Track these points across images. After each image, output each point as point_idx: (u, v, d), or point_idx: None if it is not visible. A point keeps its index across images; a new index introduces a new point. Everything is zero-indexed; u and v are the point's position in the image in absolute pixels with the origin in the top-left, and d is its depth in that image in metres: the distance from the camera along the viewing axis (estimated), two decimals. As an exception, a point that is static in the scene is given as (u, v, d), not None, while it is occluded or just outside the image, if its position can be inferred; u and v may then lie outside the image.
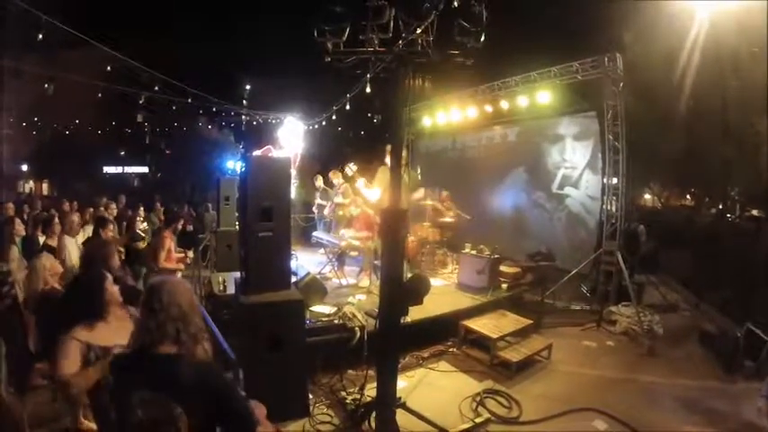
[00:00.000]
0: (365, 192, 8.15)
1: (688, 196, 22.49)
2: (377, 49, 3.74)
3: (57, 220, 6.82)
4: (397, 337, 4.10)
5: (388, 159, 7.77)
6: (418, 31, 3.69)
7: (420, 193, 8.20)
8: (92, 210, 10.46)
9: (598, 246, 9.04)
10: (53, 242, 6.33)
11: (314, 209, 11.72)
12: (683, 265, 11.25)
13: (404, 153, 3.97)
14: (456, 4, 3.63)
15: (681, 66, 11.56)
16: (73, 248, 6.10)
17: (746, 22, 9.55)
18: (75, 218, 6.70)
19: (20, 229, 6.89)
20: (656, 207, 21.79)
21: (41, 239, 6.91)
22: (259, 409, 2.55)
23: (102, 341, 2.81)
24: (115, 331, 2.88)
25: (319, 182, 11.60)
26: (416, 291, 3.93)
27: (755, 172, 12.36)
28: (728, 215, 17.89)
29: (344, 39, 3.73)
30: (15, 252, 6.35)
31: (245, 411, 2.14)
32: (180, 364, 1.97)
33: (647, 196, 22.44)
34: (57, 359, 2.74)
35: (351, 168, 8.95)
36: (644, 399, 5.37)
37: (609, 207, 8.96)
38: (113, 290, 2.98)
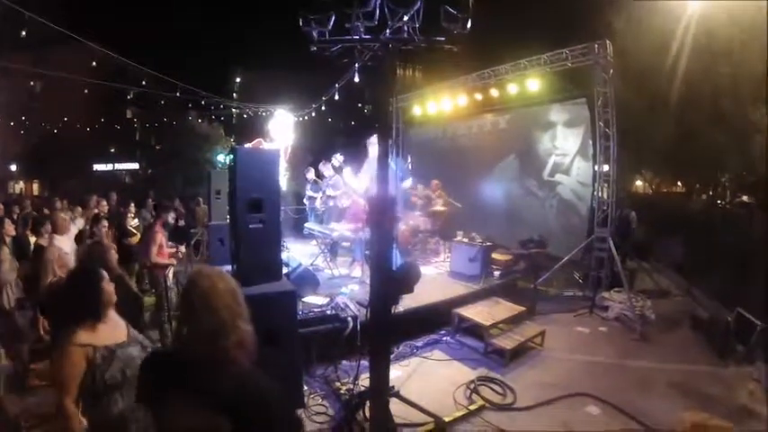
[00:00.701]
0: (352, 182, 8.16)
1: (679, 183, 22.58)
2: (363, 37, 3.71)
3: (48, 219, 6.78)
4: (388, 326, 4.11)
5: (370, 151, 7.77)
6: (404, 18, 3.67)
7: (408, 182, 8.20)
8: (80, 208, 10.40)
9: (590, 232, 9.07)
10: (44, 242, 6.27)
11: (305, 200, 11.64)
12: (674, 250, 11.31)
13: (391, 142, 3.96)
14: (442, -11, 3.62)
15: (671, 52, 11.56)
16: (64, 246, 6.05)
17: (737, 9, 9.58)
18: (65, 215, 6.65)
19: (10, 229, 6.82)
20: (647, 193, 21.86)
21: (32, 239, 6.86)
22: None
23: (106, 341, 2.77)
24: (112, 331, 2.85)
25: (311, 174, 11.56)
26: (407, 279, 3.93)
27: (746, 158, 12.41)
28: (719, 201, 18.00)
29: (330, 27, 3.70)
30: (6, 253, 6.29)
31: (290, 421, 2.09)
32: (220, 371, 1.82)
33: (639, 183, 22.52)
34: (62, 374, 2.63)
35: (337, 159, 8.94)
36: (636, 384, 5.41)
37: (600, 194, 8.99)
38: (110, 289, 2.93)
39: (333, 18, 3.66)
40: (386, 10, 3.63)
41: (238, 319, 1.90)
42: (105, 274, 2.96)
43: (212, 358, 1.82)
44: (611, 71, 8.57)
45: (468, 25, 3.64)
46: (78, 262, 3.94)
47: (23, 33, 8.85)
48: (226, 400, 1.76)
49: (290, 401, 4.46)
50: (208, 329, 1.82)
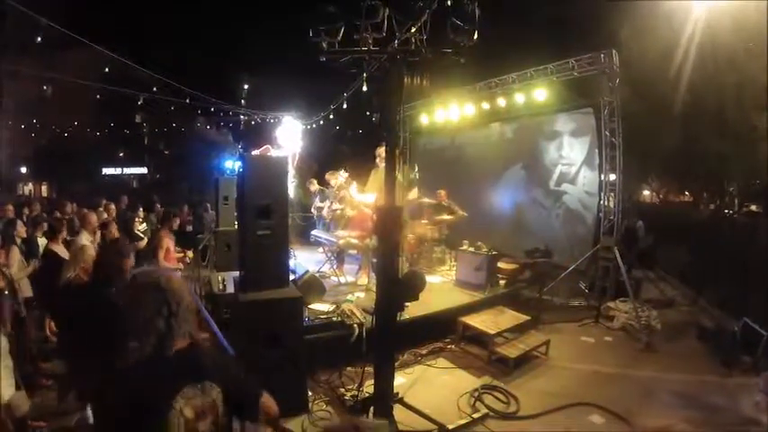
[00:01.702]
0: (360, 198, 8.19)
1: (686, 192, 22.50)
2: (371, 48, 3.76)
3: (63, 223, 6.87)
4: (393, 333, 4.14)
5: (378, 162, 7.82)
6: (412, 30, 3.72)
7: (414, 193, 8.26)
8: (85, 211, 10.49)
9: (596, 242, 9.06)
10: (58, 248, 6.31)
11: (312, 209, 11.68)
12: (680, 260, 11.28)
13: (397, 151, 4.00)
14: (449, 2, 3.66)
15: (677, 61, 11.57)
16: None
17: (742, 17, 9.57)
18: (93, 217, 6.75)
19: (21, 230, 6.92)
20: (653, 203, 21.80)
21: (41, 241, 6.92)
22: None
23: None
24: None
25: (314, 186, 11.58)
26: (412, 286, 3.96)
27: (753, 167, 12.38)
28: (726, 211, 17.90)
29: (339, 38, 3.75)
30: (17, 253, 6.37)
31: (250, 384, 2.13)
32: (199, 353, 1.92)
33: (646, 192, 22.46)
34: None
35: (342, 176, 8.98)
36: (641, 394, 5.40)
37: (606, 203, 8.98)
38: None
39: (342, 29, 3.72)
40: (393, 22, 3.68)
41: (192, 308, 1.96)
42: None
43: (187, 343, 1.89)
44: (618, 80, 8.59)
45: (475, 37, 3.68)
46: (97, 267, 3.95)
47: (38, 39, 8.92)
48: (212, 377, 1.88)
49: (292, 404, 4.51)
50: (183, 317, 1.87)
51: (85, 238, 6.20)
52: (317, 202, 11.47)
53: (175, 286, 1.89)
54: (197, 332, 1.97)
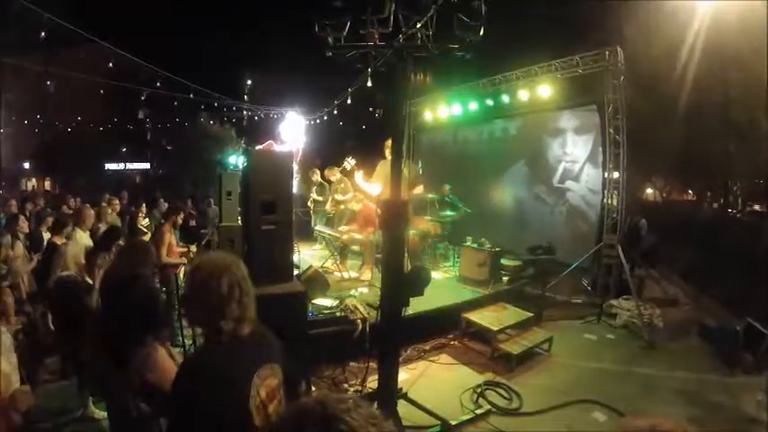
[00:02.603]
0: (365, 186, 8.19)
1: (690, 190, 22.48)
2: (377, 43, 3.76)
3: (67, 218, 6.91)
4: (398, 328, 4.14)
5: (387, 154, 7.81)
6: (418, 25, 3.72)
7: (419, 189, 8.26)
8: (87, 205, 10.52)
9: (599, 239, 9.05)
10: (59, 240, 6.34)
11: (309, 203, 11.62)
12: (683, 259, 11.26)
13: (404, 147, 4.00)
14: (455, -2, 3.67)
15: (682, 59, 11.55)
16: (84, 241, 6.13)
17: (747, 15, 9.55)
18: (89, 212, 6.74)
19: (24, 225, 6.95)
20: (657, 201, 21.74)
21: (45, 236, 6.96)
22: None
23: None
24: None
25: (316, 176, 11.52)
26: (417, 281, 3.97)
27: (757, 166, 12.37)
28: (730, 210, 17.90)
29: (345, 33, 3.75)
30: (20, 248, 6.40)
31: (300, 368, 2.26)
32: (268, 336, 2.00)
33: (649, 190, 22.40)
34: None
35: (349, 162, 8.96)
36: (643, 391, 5.41)
37: (610, 201, 8.97)
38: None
39: (348, 24, 3.72)
40: (400, 17, 3.68)
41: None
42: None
43: (250, 329, 1.91)
44: (622, 78, 8.57)
45: (481, 33, 3.68)
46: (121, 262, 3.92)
47: (42, 35, 8.93)
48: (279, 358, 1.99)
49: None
50: (244, 302, 1.87)
51: (79, 236, 6.18)
52: (315, 195, 11.39)
53: (243, 271, 1.91)
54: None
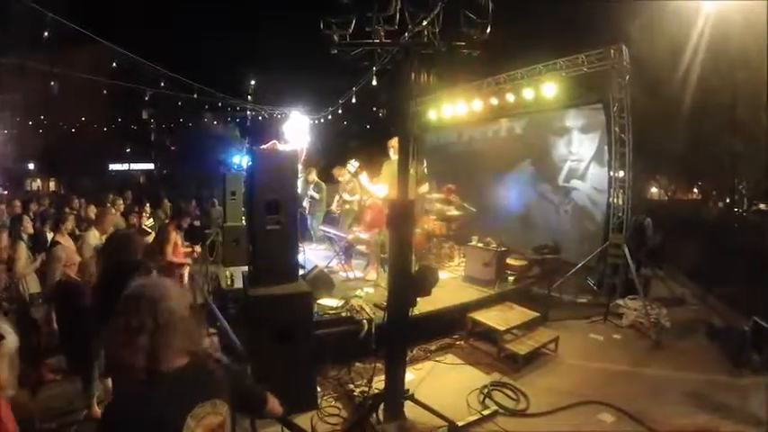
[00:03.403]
0: (371, 188, 8.16)
1: (695, 189, 22.41)
2: (383, 40, 3.73)
3: (71, 216, 6.93)
4: (405, 328, 4.12)
5: (391, 153, 7.79)
6: (424, 22, 3.69)
7: (425, 187, 8.22)
8: (93, 206, 10.55)
9: (605, 239, 9.00)
10: (63, 239, 6.38)
11: (305, 202, 11.21)
12: (690, 258, 11.21)
13: (410, 146, 3.97)
14: (462, -6, 3.64)
15: (688, 58, 11.50)
16: (93, 242, 6.15)
17: (753, 14, 9.50)
18: (111, 217, 6.79)
19: (28, 226, 6.95)
20: (662, 200, 21.68)
21: (49, 236, 6.96)
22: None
23: None
24: None
25: (312, 175, 11.40)
26: (425, 281, 3.94)
27: (763, 165, 12.30)
28: (736, 209, 17.81)
29: (351, 31, 3.72)
30: (23, 249, 6.40)
31: (258, 389, 2.17)
32: (204, 371, 1.80)
33: (654, 189, 22.33)
34: None
35: (353, 165, 8.93)
36: (650, 392, 5.36)
37: (615, 200, 8.91)
38: None
39: (353, 22, 3.69)
40: (406, 14, 3.65)
41: (190, 317, 1.81)
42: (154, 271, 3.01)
43: (187, 360, 1.78)
44: (628, 76, 8.52)
45: (488, 30, 3.65)
46: (110, 253, 3.94)
47: (45, 34, 8.93)
48: (219, 393, 1.82)
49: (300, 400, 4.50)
50: (178, 332, 1.72)
51: (93, 236, 6.22)
52: (312, 192, 11.26)
53: (164, 298, 1.72)
54: (197, 346, 1.85)
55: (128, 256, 3.70)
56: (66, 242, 6.35)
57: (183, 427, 1.61)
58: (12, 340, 3.25)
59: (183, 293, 1.88)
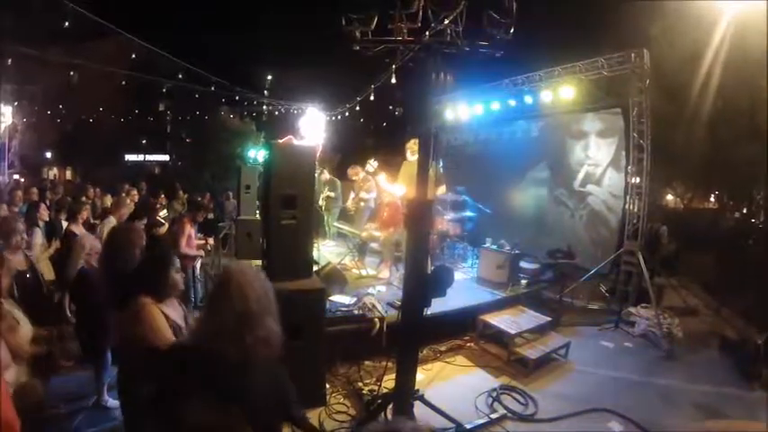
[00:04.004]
0: (389, 188, 8.15)
1: (712, 198, 22.16)
2: (405, 38, 3.71)
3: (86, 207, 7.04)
4: (419, 329, 4.10)
5: (408, 155, 7.78)
6: (447, 21, 3.66)
7: (442, 189, 8.20)
8: (110, 195, 10.66)
9: (619, 245, 8.93)
10: (77, 229, 6.44)
11: (321, 201, 11.15)
12: (704, 268, 11.09)
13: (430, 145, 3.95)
14: (485, -6, 3.61)
15: (708, 64, 11.37)
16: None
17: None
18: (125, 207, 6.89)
19: (43, 213, 7.04)
20: (678, 208, 21.46)
21: (64, 225, 7.04)
22: None
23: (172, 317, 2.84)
24: (174, 312, 2.92)
25: (325, 174, 11.41)
26: (441, 282, 3.91)
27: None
28: (753, 219, 17.59)
29: (372, 27, 3.71)
30: (39, 236, 6.47)
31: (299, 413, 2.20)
32: (242, 370, 1.83)
33: (670, 197, 22.10)
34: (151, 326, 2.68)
35: (372, 165, 8.93)
36: (661, 402, 5.32)
37: (631, 206, 8.84)
38: (178, 278, 3.00)
39: (375, 18, 3.67)
40: (429, 12, 3.63)
41: (268, 317, 1.93)
42: (177, 262, 3.05)
43: (237, 353, 1.80)
44: (648, 81, 8.43)
45: (512, 30, 3.62)
46: (110, 245, 3.99)
47: (66, 24, 9.00)
48: (248, 395, 1.81)
49: (309, 396, 4.49)
50: (236, 323, 1.82)
51: (110, 224, 6.30)
52: (328, 191, 11.28)
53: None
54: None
55: (130, 249, 3.74)
56: (81, 232, 6.43)
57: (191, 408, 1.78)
58: (27, 329, 3.28)
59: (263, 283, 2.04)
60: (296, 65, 30.78)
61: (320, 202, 11.16)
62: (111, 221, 6.31)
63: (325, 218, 11.32)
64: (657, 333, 7.19)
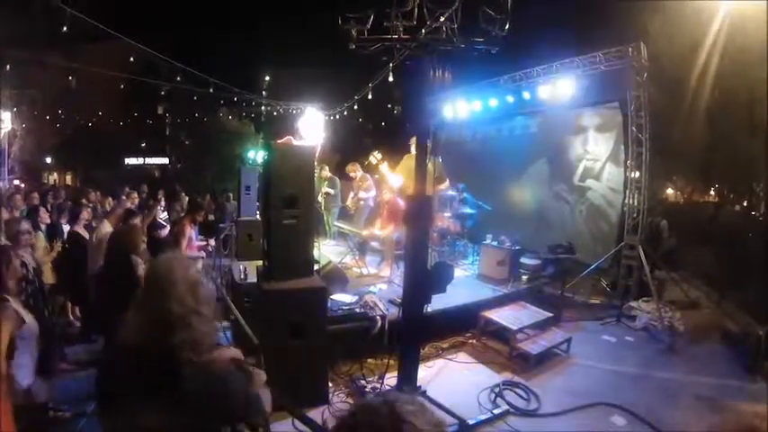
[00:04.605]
0: (389, 176, 8.17)
1: (712, 192, 22.10)
2: (401, 36, 3.73)
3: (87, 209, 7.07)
4: (420, 325, 4.12)
5: (413, 149, 7.80)
6: (442, 18, 3.68)
7: (445, 184, 8.21)
8: (110, 199, 10.67)
9: (619, 239, 8.94)
10: (79, 229, 6.49)
11: (320, 198, 11.05)
12: (705, 261, 11.08)
13: (428, 142, 3.97)
14: (481, -9, 3.63)
15: (706, 57, 11.36)
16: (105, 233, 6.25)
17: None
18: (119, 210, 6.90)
19: (44, 217, 7.08)
20: (678, 202, 21.42)
21: (65, 228, 7.07)
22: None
23: None
24: None
25: (325, 172, 11.39)
26: (441, 278, 3.93)
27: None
28: (753, 212, 17.56)
29: (369, 26, 3.72)
30: (41, 239, 6.50)
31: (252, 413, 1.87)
32: (169, 373, 1.60)
33: (670, 191, 22.06)
34: None
35: (375, 157, 8.94)
36: (663, 396, 5.31)
37: (631, 200, 8.85)
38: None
39: (372, 17, 3.69)
40: (424, 10, 3.64)
41: (194, 316, 1.68)
42: (140, 260, 3.03)
43: (160, 356, 1.61)
44: (646, 75, 8.44)
45: (507, 27, 3.64)
46: (109, 246, 4.02)
47: (64, 28, 9.01)
48: (174, 402, 1.58)
49: (312, 394, 4.50)
50: (157, 323, 1.63)
51: (105, 228, 6.31)
52: (327, 188, 11.26)
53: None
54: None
55: (131, 250, 3.75)
56: (84, 234, 6.47)
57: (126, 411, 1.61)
58: (33, 327, 3.30)
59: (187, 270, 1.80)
60: (294, 65, 30.80)
61: (318, 199, 11.17)
62: (106, 226, 6.30)
63: (325, 217, 11.33)
64: (659, 327, 7.22)
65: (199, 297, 1.72)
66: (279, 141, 8.13)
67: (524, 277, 8.28)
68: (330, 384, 5.03)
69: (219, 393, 1.70)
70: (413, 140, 7.47)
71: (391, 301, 6.26)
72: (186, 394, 1.59)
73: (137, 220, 6.33)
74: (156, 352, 1.60)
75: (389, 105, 23.89)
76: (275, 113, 19.83)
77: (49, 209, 8.63)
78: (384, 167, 8.22)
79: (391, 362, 4.82)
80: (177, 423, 1.56)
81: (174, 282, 1.68)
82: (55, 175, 33.62)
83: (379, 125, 27.79)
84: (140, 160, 37.70)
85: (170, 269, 1.73)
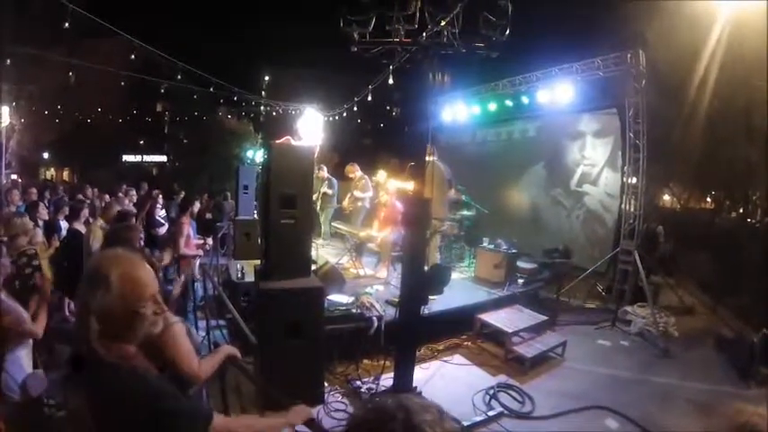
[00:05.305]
0: (403, 186, 8.20)
1: (708, 198, 22.14)
2: (402, 39, 3.76)
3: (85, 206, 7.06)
4: (417, 326, 4.13)
5: (427, 156, 7.83)
6: (443, 22, 3.70)
7: (453, 192, 8.25)
8: (107, 196, 10.67)
9: (615, 245, 8.98)
10: (78, 226, 6.50)
11: (317, 198, 10.99)
12: (700, 267, 11.12)
13: (429, 146, 4.00)
14: (481, -4, 3.65)
15: (704, 64, 11.39)
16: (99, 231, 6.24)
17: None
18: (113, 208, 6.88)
19: (43, 212, 7.07)
20: (674, 208, 21.47)
21: (63, 224, 7.07)
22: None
23: None
24: None
25: (323, 172, 11.40)
26: (438, 280, 3.96)
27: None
28: (749, 219, 17.61)
29: (371, 29, 3.75)
30: (39, 235, 6.49)
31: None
32: (102, 373, 1.51)
33: (666, 197, 22.11)
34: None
35: (381, 175, 8.98)
36: (656, 400, 5.34)
37: (627, 206, 8.89)
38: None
39: (373, 20, 3.72)
40: (426, 14, 3.67)
41: (116, 311, 1.54)
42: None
43: (88, 352, 1.51)
44: (644, 81, 8.48)
45: (507, 32, 3.67)
46: (106, 243, 4.02)
47: (64, 24, 9.01)
48: (105, 408, 1.48)
49: (307, 394, 4.51)
50: (87, 319, 1.52)
51: (99, 226, 6.31)
52: (326, 188, 11.26)
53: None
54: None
55: (128, 248, 3.76)
56: (83, 230, 6.47)
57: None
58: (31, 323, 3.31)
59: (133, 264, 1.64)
60: (294, 65, 30.83)
61: (314, 198, 11.14)
62: (100, 224, 6.30)
63: (320, 217, 11.33)
64: (654, 332, 7.24)
65: (139, 296, 1.58)
66: (278, 141, 8.18)
67: (520, 281, 8.31)
68: (326, 384, 5.04)
69: (154, 395, 1.55)
70: (428, 147, 7.53)
71: (388, 302, 6.28)
72: (95, 393, 1.50)
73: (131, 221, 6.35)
74: (85, 347, 1.51)
75: (388, 107, 23.89)
76: (274, 114, 19.83)
77: (47, 204, 8.64)
78: (392, 183, 8.25)
79: (387, 363, 4.84)
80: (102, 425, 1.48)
81: (105, 276, 1.54)
82: (52, 170, 33.54)
83: (378, 127, 27.83)
84: (138, 158, 37.58)
85: (102, 264, 1.61)
